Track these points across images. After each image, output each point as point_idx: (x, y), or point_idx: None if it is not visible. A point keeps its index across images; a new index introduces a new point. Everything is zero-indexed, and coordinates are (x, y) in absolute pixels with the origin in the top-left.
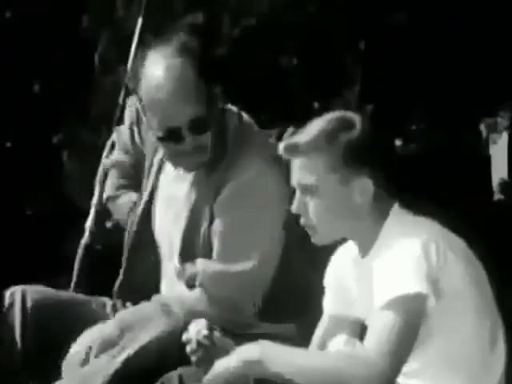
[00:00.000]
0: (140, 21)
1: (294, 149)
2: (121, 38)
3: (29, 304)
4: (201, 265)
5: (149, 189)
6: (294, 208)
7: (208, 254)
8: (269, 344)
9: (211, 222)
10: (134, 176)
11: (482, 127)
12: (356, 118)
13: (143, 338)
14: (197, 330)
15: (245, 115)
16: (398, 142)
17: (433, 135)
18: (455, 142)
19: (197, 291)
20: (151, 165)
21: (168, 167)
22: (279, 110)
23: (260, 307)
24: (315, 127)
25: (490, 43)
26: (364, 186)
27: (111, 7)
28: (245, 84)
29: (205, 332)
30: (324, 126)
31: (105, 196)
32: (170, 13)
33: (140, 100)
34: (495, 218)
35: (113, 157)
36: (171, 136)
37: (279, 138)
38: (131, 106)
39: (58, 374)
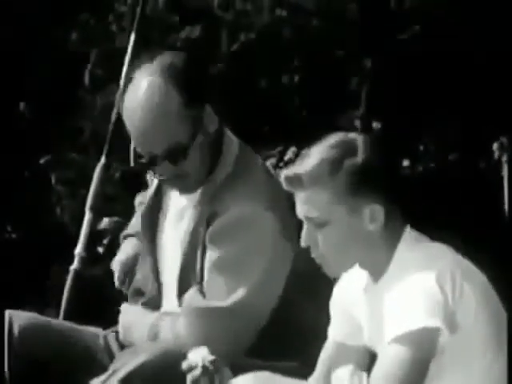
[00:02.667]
0: (133, 36)
1: (295, 182)
2: (113, 55)
3: (15, 330)
4: (188, 297)
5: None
6: (302, 241)
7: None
8: (265, 375)
9: (204, 253)
10: None
11: (495, 147)
12: (358, 141)
13: (134, 362)
14: (201, 355)
15: (247, 147)
16: (405, 163)
17: (442, 155)
18: (466, 162)
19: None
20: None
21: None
22: (280, 128)
23: (256, 344)
24: (315, 157)
25: (502, 60)
26: (374, 213)
27: (102, 22)
28: (244, 101)
29: (210, 357)
30: (325, 155)
31: (124, 233)
32: (165, 27)
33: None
34: (508, 240)
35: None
36: (148, 163)
37: (280, 158)
38: None
39: None
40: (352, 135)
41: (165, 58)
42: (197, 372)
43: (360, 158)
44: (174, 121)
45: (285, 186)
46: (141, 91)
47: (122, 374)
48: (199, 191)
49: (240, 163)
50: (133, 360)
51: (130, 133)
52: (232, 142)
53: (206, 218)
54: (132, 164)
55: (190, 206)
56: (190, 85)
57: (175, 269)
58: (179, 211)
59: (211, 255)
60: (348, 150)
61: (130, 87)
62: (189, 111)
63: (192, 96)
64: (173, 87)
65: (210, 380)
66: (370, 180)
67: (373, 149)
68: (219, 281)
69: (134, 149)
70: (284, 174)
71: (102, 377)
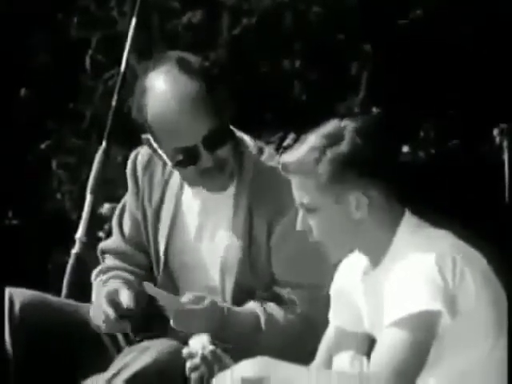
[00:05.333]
0: (134, 21)
1: (286, 168)
2: (114, 40)
3: (16, 307)
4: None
5: (166, 231)
6: (297, 225)
7: (261, 284)
8: (269, 360)
9: (268, 256)
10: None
11: (496, 132)
12: (348, 129)
13: (140, 361)
14: (201, 344)
15: (261, 144)
16: (405, 149)
17: (443, 141)
18: (467, 148)
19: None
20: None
21: (190, 199)
22: (280, 114)
23: None
24: (305, 145)
25: (503, 46)
26: (359, 201)
27: (103, 7)
28: (245, 87)
29: (211, 347)
30: (312, 144)
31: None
32: (166, 12)
33: (150, 129)
34: (509, 225)
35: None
36: (189, 157)
37: (280, 145)
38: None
39: (49, 379)
40: (344, 123)
41: (175, 56)
42: (196, 360)
43: (344, 146)
44: (203, 107)
45: (281, 171)
46: (166, 89)
47: (127, 374)
48: (230, 190)
49: (262, 157)
50: (139, 359)
51: (161, 133)
52: (243, 136)
53: (265, 219)
54: (172, 165)
55: (220, 207)
56: (206, 76)
57: (215, 269)
58: (200, 214)
59: (287, 250)
60: (334, 138)
61: (152, 90)
62: (212, 100)
63: (211, 84)
64: (190, 77)
65: (208, 368)
66: (353, 169)
67: (361, 137)
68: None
69: (164, 149)
70: (279, 160)
71: (107, 374)
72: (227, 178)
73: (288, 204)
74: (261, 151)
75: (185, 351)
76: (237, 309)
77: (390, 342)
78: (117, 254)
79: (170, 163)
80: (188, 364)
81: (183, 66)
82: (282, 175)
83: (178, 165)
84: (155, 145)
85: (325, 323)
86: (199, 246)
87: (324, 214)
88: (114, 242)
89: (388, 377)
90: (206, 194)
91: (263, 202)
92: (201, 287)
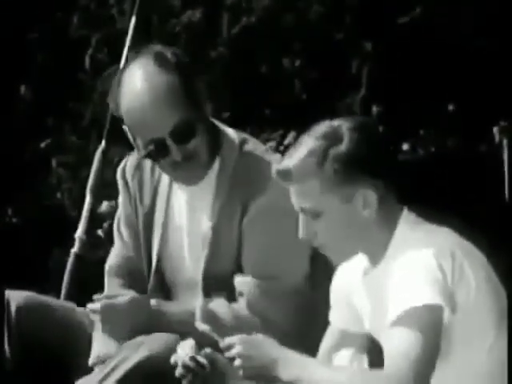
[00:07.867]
0: (133, 20)
1: (285, 176)
2: (113, 38)
3: (12, 310)
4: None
5: (161, 221)
6: (300, 233)
7: (232, 274)
8: (287, 351)
9: (239, 243)
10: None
11: (495, 130)
12: (344, 128)
13: (133, 359)
14: (184, 352)
15: (246, 136)
16: (405, 147)
17: (442, 139)
18: (466, 146)
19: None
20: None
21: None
22: (280, 112)
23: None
24: (302, 150)
25: (502, 44)
26: (367, 198)
27: (103, 5)
28: (245, 85)
29: (190, 354)
30: (311, 147)
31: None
32: (166, 11)
33: (123, 120)
34: (508, 223)
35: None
36: (157, 149)
37: (281, 142)
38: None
39: (45, 380)
40: (338, 122)
41: (154, 49)
42: (180, 369)
43: (344, 146)
44: (173, 101)
45: (278, 180)
46: (137, 80)
47: (119, 373)
48: (213, 181)
49: (245, 148)
50: (133, 356)
51: (132, 124)
52: (226, 129)
53: (239, 205)
54: (142, 155)
55: (205, 198)
56: (182, 69)
57: (197, 264)
58: (187, 208)
59: (257, 238)
60: (333, 139)
61: (126, 81)
62: (185, 93)
63: (185, 79)
64: (167, 72)
65: (195, 374)
66: (357, 167)
67: (358, 135)
68: (274, 260)
69: (136, 140)
70: (275, 168)
71: (101, 373)
72: (200, 172)
73: (263, 186)
74: (244, 142)
75: (172, 359)
76: (171, 305)
77: (397, 338)
78: (119, 275)
79: (139, 154)
80: (176, 372)
81: (159, 59)
82: (264, 163)
83: (147, 157)
84: (130, 136)
85: (319, 322)
86: (189, 242)
87: (330, 217)
88: (116, 256)
89: (407, 373)
90: (190, 189)
91: (241, 188)
92: (190, 284)
